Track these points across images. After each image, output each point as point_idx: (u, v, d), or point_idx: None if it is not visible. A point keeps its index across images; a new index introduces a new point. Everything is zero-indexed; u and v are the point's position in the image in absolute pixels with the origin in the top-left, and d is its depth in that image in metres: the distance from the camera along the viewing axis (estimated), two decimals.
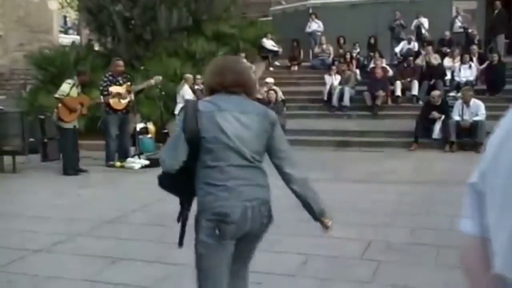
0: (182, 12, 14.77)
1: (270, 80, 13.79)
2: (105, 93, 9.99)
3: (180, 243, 2.89)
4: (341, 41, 17.84)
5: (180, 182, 2.81)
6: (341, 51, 17.41)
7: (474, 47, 15.29)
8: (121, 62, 10.38)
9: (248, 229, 2.75)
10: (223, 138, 2.70)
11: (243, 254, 2.93)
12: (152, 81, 10.40)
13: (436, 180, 8.32)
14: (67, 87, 9.44)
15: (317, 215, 2.99)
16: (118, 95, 9.95)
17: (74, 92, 9.49)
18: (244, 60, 2.78)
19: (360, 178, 8.58)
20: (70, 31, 32.70)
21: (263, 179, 2.84)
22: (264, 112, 2.87)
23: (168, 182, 2.85)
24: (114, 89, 9.98)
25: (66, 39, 24.44)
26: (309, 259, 4.89)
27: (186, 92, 11.90)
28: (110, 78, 10.12)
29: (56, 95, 9.44)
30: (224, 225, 2.67)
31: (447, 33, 16.92)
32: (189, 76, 12.68)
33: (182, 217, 2.88)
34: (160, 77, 10.57)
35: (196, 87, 12.36)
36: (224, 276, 2.82)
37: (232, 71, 2.84)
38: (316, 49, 18.29)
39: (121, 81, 10.15)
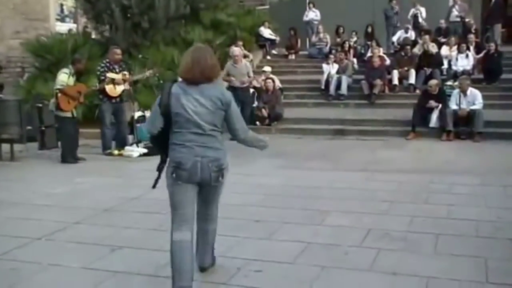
0: (179, 1, 14.71)
1: (267, 68, 13.76)
2: (102, 78, 9.97)
3: (154, 186, 4.08)
4: (340, 30, 17.79)
5: (161, 141, 3.91)
6: (338, 40, 17.37)
7: (471, 36, 15.23)
8: (118, 50, 10.32)
9: (200, 177, 3.84)
10: (184, 113, 3.77)
11: (206, 199, 4.09)
12: (147, 73, 10.39)
13: (433, 168, 8.31)
14: (65, 77, 9.39)
15: (256, 145, 4.20)
16: (112, 82, 9.92)
17: (71, 81, 9.46)
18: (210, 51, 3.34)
19: (358, 167, 8.56)
20: (67, 19, 32.45)
21: (216, 143, 3.87)
22: (219, 96, 3.85)
23: (154, 141, 4.01)
24: (109, 75, 9.95)
25: (63, 27, 24.24)
26: (308, 247, 4.89)
27: None
28: (107, 65, 10.08)
29: (58, 86, 9.36)
30: (179, 170, 3.81)
31: (442, 21, 16.89)
32: None
33: (160, 167, 3.97)
34: (153, 71, 10.58)
35: None
36: (187, 208, 3.92)
37: (200, 69, 3.80)
38: (314, 38, 18.24)
39: (117, 69, 10.10)
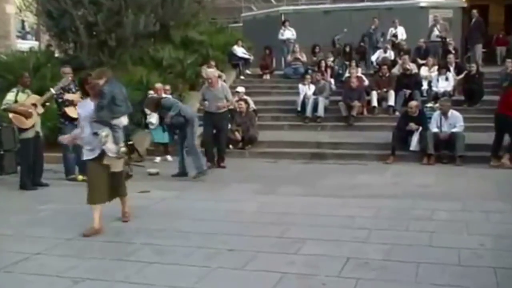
0: (148, 18, 14.66)
1: (241, 89, 13.77)
2: (60, 101, 9.90)
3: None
4: (317, 49, 17.95)
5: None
6: (314, 59, 17.50)
7: (451, 57, 15.47)
8: (67, 69, 10.24)
9: None
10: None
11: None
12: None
13: (414, 194, 8.37)
14: (11, 96, 9.37)
15: None
16: (72, 103, 9.88)
17: (22, 97, 9.38)
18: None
19: (336, 192, 8.60)
20: (28, 36, 32.28)
21: None
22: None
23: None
24: (67, 96, 9.89)
25: (24, 45, 24.12)
26: (284, 277, 4.88)
27: None
28: (63, 86, 10.00)
29: (2, 107, 9.36)
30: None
31: (422, 40, 17.17)
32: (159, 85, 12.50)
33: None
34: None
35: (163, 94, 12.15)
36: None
37: None
38: (289, 57, 18.36)
39: (74, 89, 10.03)
